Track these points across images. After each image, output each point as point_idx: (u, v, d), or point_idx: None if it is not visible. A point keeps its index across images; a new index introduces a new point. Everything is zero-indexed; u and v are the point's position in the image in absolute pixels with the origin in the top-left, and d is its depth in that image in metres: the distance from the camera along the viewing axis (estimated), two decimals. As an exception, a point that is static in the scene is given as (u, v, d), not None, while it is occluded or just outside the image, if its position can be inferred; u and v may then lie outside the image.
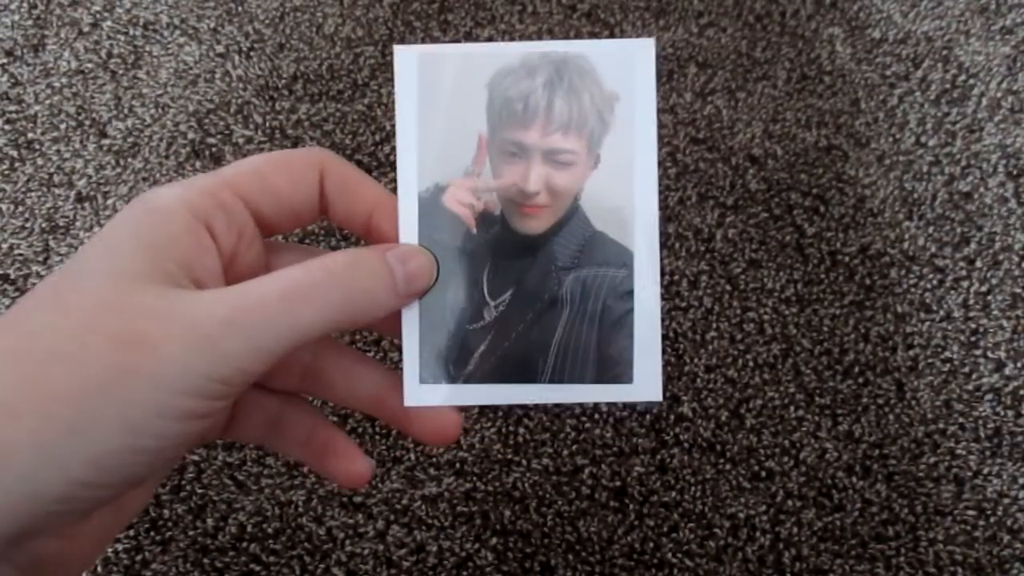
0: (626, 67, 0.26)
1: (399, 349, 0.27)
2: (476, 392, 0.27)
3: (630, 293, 0.27)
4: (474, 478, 0.45)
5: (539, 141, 0.27)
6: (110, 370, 0.20)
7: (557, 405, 0.46)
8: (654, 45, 0.26)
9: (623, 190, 0.26)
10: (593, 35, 0.58)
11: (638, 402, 0.26)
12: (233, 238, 0.25)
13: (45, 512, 0.20)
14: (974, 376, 0.48)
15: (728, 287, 0.49)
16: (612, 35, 0.58)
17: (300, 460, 0.29)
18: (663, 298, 0.49)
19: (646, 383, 0.27)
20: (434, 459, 0.45)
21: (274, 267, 0.27)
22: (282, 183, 0.26)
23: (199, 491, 0.44)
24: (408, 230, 0.27)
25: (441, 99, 0.27)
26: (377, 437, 0.46)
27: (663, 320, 0.48)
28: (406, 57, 0.27)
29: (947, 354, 0.48)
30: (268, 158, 0.26)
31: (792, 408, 0.47)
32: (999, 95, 0.54)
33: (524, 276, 0.27)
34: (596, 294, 0.27)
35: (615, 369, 0.27)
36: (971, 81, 0.55)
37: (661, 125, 0.54)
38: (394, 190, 0.27)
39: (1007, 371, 0.48)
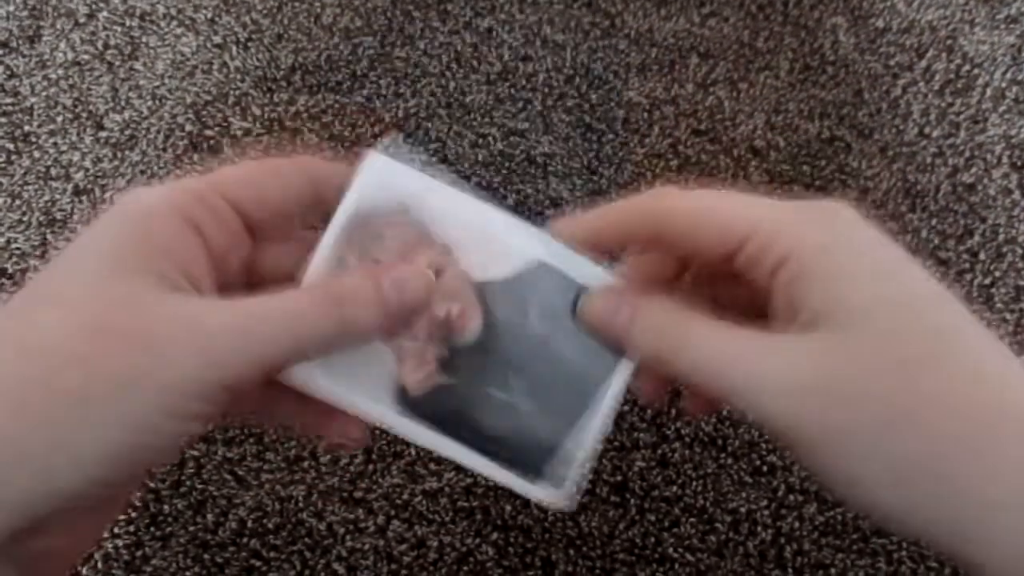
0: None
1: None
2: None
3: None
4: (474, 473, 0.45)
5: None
6: (120, 370, 0.21)
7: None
8: None
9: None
10: (593, 25, 0.58)
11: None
12: (222, 240, 0.25)
13: (58, 508, 0.21)
14: (977, 369, 0.47)
15: (730, 280, 0.49)
16: (612, 25, 0.58)
17: (291, 427, 0.30)
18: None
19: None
20: (434, 454, 0.45)
21: (262, 262, 0.28)
22: (271, 188, 0.26)
23: (199, 486, 0.44)
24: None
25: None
26: (378, 432, 0.46)
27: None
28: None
29: (950, 347, 0.48)
30: (258, 163, 0.26)
31: (794, 402, 0.47)
32: (1003, 85, 0.54)
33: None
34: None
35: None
36: (975, 71, 0.55)
37: (662, 117, 0.54)
38: None
39: (1010, 364, 0.47)
